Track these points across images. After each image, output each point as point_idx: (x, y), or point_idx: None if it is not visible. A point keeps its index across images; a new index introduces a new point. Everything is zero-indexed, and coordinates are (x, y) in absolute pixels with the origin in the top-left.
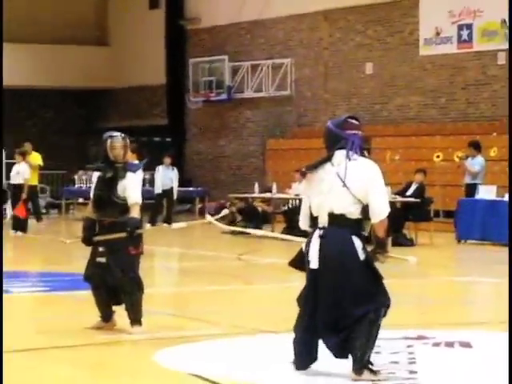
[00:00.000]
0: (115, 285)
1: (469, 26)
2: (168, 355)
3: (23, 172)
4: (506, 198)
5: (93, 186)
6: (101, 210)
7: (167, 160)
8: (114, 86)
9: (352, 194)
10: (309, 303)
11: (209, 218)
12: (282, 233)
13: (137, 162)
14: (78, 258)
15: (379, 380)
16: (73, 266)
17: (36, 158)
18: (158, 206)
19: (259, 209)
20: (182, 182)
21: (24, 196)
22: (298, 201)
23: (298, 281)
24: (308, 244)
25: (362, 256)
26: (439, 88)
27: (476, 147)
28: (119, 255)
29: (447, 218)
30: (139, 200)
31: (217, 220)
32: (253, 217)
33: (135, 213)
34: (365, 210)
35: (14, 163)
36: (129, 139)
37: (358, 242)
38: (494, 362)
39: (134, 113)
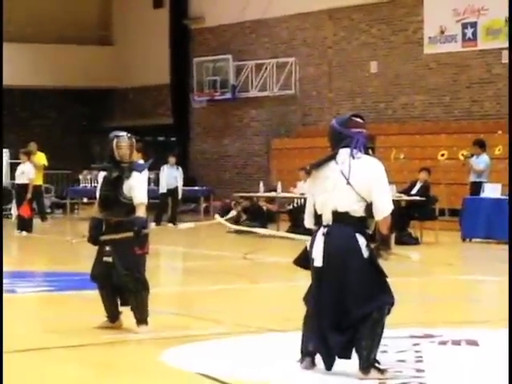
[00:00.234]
0: (120, 284)
1: (473, 25)
2: (174, 354)
3: (28, 172)
4: None
5: (99, 185)
6: (107, 210)
7: (172, 159)
8: (118, 85)
9: (356, 191)
10: (315, 302)
11: (218, 218)
12: (287, 232)
13: (142, 161)
14: (83, 258)
15: (386, 379)
16: (78, 265)
17: (41, 158)
18: (163, 206)
19: (264, 208)
20: (187, 182)
21: (29, 196)
22: (302, 200)
23: (304, 279)
24: (312, 242)
25: (365, 254)
26: (444, 86)
27: (481, 145)
28: (125, 255)
29: (452, 216)
30: (145, 200)
31: (226, 221)
32: (258, 216)
33: (141, 212)
34: (369, 207)
35: (19, 163)
36: (134, 138)
37: (361, 240)
38: (500, 360)
39: (139, 112)
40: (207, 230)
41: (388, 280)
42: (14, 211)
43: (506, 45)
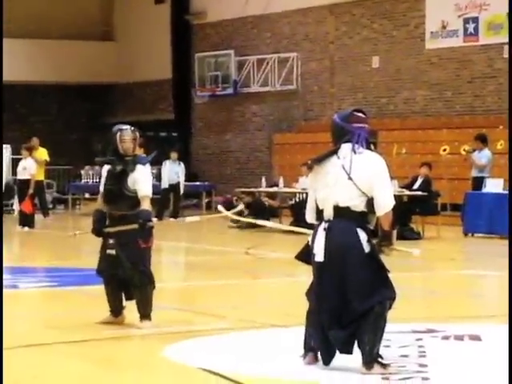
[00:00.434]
0: (126, 278)
1: (475, 20)
2: (177, 349)
3: (30, 167)
4: None
5: (102, 179)
6: (111, 204)
7: (174, 155)
8: (120, 80)
9: (357, 186)
10: (316, 297)
11: (221, 208)
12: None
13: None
14: (85, 253)
15: (389, 373)
16: (81, 261)
17: (42, 154)
18: (165, 201)
19: (266, 203)
20: (189, 177)
21: (31, 191)
22: (304, 195)
23: (306, 275)
24: (314, 237)
25: (367, 249)
26: (445, 81)
27: (483, 140)
28: (129, 248)
29: (454, 211)
30: (149, 193)
31: (233, 214)
32: (260, 211)
33: (146, 205)
34: (370, 203)
35: (21, 159)
36: (138, 132)
37: (363, 235)
38: (503, 355)
39: (140, 108)
40: (209, 225)
41: (390, 275)
42: (16, 207)
43: (508, 40)
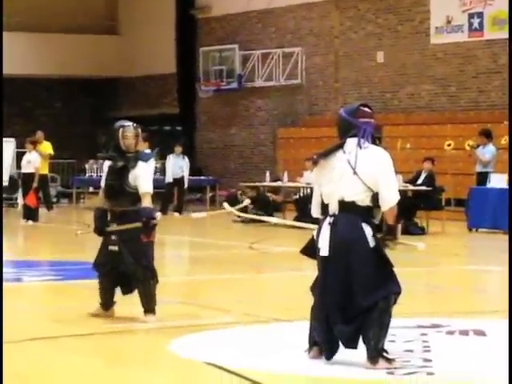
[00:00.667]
0: (129, 273)
1: (480, 15)
2: (182, 344)
3: (34, 161)
4: None
5: (104, 175)
6: (112, 200)
7: (178, 149)
8: (124, 75)
9: (362, 181)
10: (321, 291)
11: (226, 206)
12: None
13: (149, 151)
14: (90, 247)
15: (394, 368)
16: (85, 254)
17: (47, 147)
18: (169, 195)
19: (270, 198)
20: (193, 171)
21: (35, 185)
22: (309, 189)
23: (310, 269)
24: (319, 231)
25: (372, 243)
26: (450, 76)
27: (487, 136)
28: (131, 243)
29: (458, 206)
30: (150, 189)
31: (238, 210)
32: (264, 206)
33: (147, 202)
34: (375, 197)
35: (25, 152)
36: (140, 128)
37: (368, 229)
38: (508, 350)
39: (145, 102)
40: (214, 220)
41: (394, 270)
42: (20, 200)
43: None
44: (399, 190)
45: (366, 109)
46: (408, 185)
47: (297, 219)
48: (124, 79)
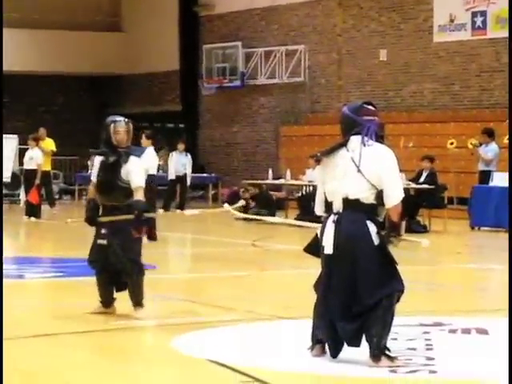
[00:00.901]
0: (118, 267)
1: (483, 13)
2: (184, 341)
3: (36, 157)
4: None
5: (95, 170)
6: (105, 195)
7: (181, 146)
8: (127, 72)
9: (366, 179)
10: (325, 289)
11: (226, 206)
12: (296, 219)
13: (152, 148)
14: (91, 244)
15: (397, 366)
16: (86, 251)
17: (49, 144)
18: (172, 192)
19: (274, 197)
20: (196, 169)
21: (37, 182)
22: (311, 187)
23: (313, 267)
24: (323, 229)
25: (376, 241)
26: (453, 75)
27: (490, 134)
28: (121, 236)
29: (461, 205)
30: (142, 184)
31: (234, 209)
32: (266, 203)
33: (139, 196)
34: (379, 195)
35: (27, 149)
36: (131, 123)
37: (372, 227)
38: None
39: (148, 99)
40: (215, 217)
41: (398, 267)
42: (23, 197)
43: None
44: (403, 188)
45: (370, 107)
46: (410, 183)
47: (299, 217)
48: (127, 76)
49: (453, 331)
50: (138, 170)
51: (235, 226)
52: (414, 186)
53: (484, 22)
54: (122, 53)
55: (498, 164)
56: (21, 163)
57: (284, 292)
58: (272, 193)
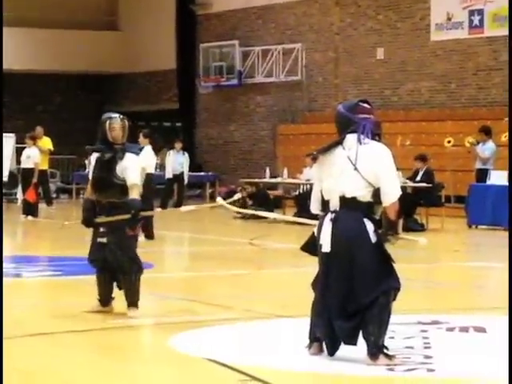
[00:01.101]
0: (116, 265)
1: (480, 12)
2: (182, 339)
3: (34, 156)
4: None
5: (91, 167)
6: (100, 191)
7: (178, 145)
8: (124, 70)
9: (363, 177)
10: (322, 287)
11: (220, 200)
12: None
13: (150, 146)
14: (89, 242)
15: (395, 365)
16: (84, 250)
17: (46, 143)
18: (169, 191)
19: (271, 196)
20: (193, 167)
21: (34, 180)
22: (308, 186)
23: (311, 265)
24: (320, 228)
25: (373, 239)
26: (450, 73)
27: (487, 132)
28: (118, 235)
29: (458, 203)
30: (138, 181)
31: (229, 203)
32: (264, 202)
33: (135, 194)
34: (376, 193)
35: (25, 147)
36: (127, 120)
37: (369, 225)
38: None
39: (145, 98)
40: (213, 216)
41: (394, 265)
42: (20, 196)
43: None
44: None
45: (366, 105)
46: (407, 181)
47: (296, 216)
48: (124, 75)
49: (450, 329)
50: (134, 166)
51: (233, 225)
52: (411, 184)
53: (481, 21)
54: (120, 52)
55: (495, 162)
56: (18, 162)
57: (281, 290)
58: (269, 191)
